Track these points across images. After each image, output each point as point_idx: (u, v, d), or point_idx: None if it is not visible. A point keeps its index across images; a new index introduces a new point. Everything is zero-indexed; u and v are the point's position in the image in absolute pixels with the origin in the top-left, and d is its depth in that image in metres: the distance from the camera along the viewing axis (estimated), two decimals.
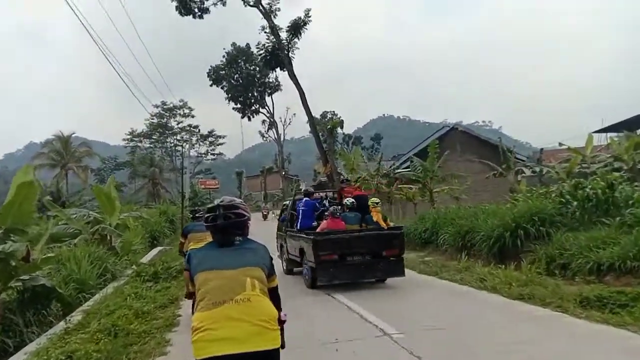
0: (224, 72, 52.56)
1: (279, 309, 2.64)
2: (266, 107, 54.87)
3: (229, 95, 52.19)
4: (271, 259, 2.69)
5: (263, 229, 19.20)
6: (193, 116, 69.40)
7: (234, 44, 53.29)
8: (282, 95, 57.63)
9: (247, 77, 52.20)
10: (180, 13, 25.89)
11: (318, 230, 9.76)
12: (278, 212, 19.68)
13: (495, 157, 20.66)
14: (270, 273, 2.65)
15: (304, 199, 11.28)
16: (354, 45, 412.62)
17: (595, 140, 21.85)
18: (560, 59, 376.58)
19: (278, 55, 25.07)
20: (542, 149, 21.38)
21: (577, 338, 5.24)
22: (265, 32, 25.68)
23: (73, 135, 46.22)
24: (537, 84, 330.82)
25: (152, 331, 6.34)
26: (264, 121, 56.41)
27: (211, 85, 52.56)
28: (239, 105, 53.04)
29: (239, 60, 52.47)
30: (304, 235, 9.69)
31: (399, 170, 22.56)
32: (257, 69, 51.47)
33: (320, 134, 26.83)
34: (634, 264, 7.18)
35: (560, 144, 20.64)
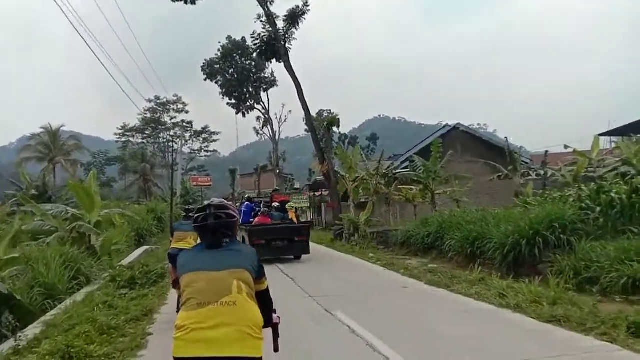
0: (218, 66, 51.08)
1: (271, 311, 2.62)
2: (261, 103, 53.52)
3: (224, 90, 50.75)
4: (259, 260, 2.56)
5: None
6: (187, 112, 68.31)
7: (229, 37, 51.93)
8: (277, 92, 56.23)
9: (243, 72, 50.76)
10: None
11: (253, 224, 14.57)
12: None
13: (498, 159, 19.71)
14: (259, 276, 2.54)
15: (246, 202, 17.30)
16: (351, 45, 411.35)
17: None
18: (558, 63, 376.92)
19: (274, 46, 23.82)
20: (547, 152, 20.42)
21: None
22: (261, 21, 24.32)
23: (63, 129, 45.12)
24: (533, 88, 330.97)
25: (113, 355, 5.26)
26: (259, 117, 55.09)
27: (205, 80, 51.18)
28: (233, 101, 51.62)
29: (235, 55, 51.04)
30: (244, 227, 14.09)
31: (399, 170, 21.56)
32: (253, 63, 50.16)
33: (316, 131, 25.65)
34: None
35: (565, 147, 19.85)
